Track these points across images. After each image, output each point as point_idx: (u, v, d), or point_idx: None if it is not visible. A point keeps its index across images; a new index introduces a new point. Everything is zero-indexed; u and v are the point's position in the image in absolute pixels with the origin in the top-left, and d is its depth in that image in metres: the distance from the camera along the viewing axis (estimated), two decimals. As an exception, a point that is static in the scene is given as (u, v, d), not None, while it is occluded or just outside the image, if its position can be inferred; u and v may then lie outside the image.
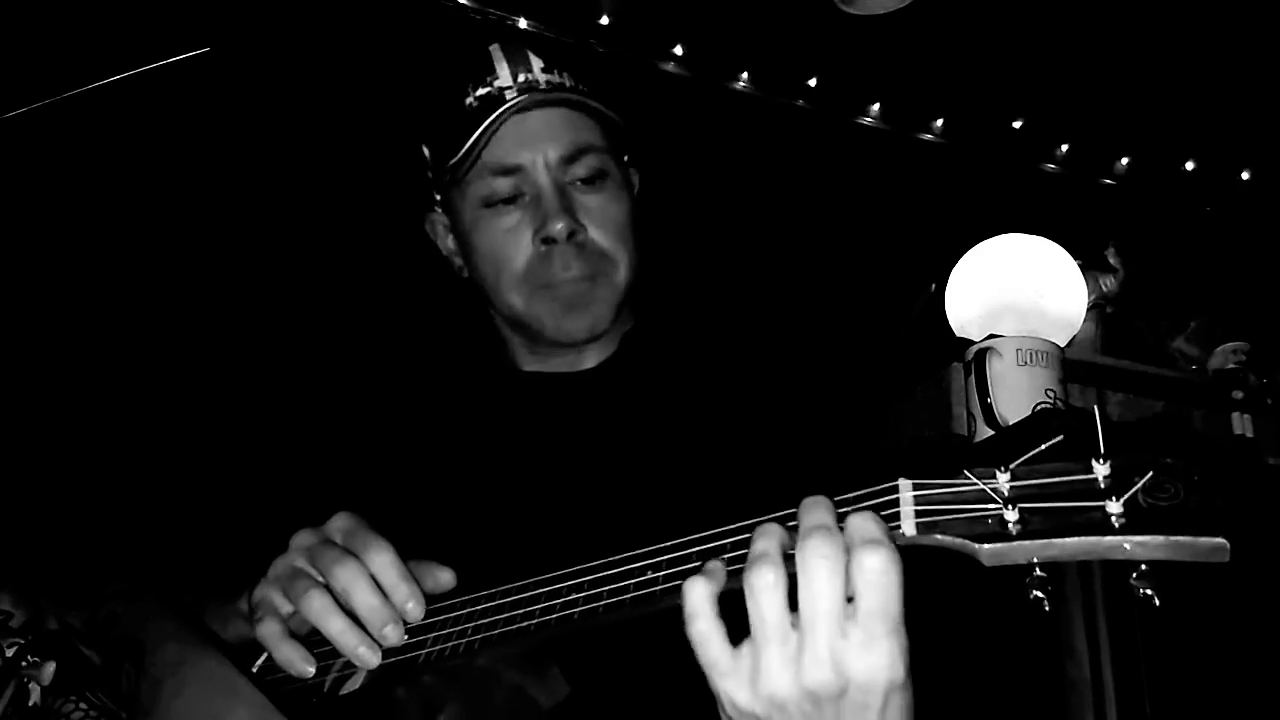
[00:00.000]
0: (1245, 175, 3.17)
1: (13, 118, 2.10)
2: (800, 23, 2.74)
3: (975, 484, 0.77)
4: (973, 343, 1.93)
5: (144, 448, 2.40)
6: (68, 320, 2.51)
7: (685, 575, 0.83)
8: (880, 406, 2.18)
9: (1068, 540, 0.72)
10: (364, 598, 0.98)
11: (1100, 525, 0.71)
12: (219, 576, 1.17)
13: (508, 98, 1.27)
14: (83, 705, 0.92)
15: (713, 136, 2.85)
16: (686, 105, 2.84)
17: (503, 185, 1.30)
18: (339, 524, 1.05)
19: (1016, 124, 3.09)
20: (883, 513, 0.79)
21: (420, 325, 2.46)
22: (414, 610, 0.99)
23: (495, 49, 1.32)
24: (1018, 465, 0.77)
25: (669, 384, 1.32)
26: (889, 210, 3.00)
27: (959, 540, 0.76)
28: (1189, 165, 3.18)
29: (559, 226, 1.27)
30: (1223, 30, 2.68)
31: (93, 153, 2.48)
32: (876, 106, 3.03)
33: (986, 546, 0.74)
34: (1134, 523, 0.70)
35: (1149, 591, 0.70)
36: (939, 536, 0.77)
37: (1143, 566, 0.71)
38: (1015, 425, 1.70)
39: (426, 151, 1.39)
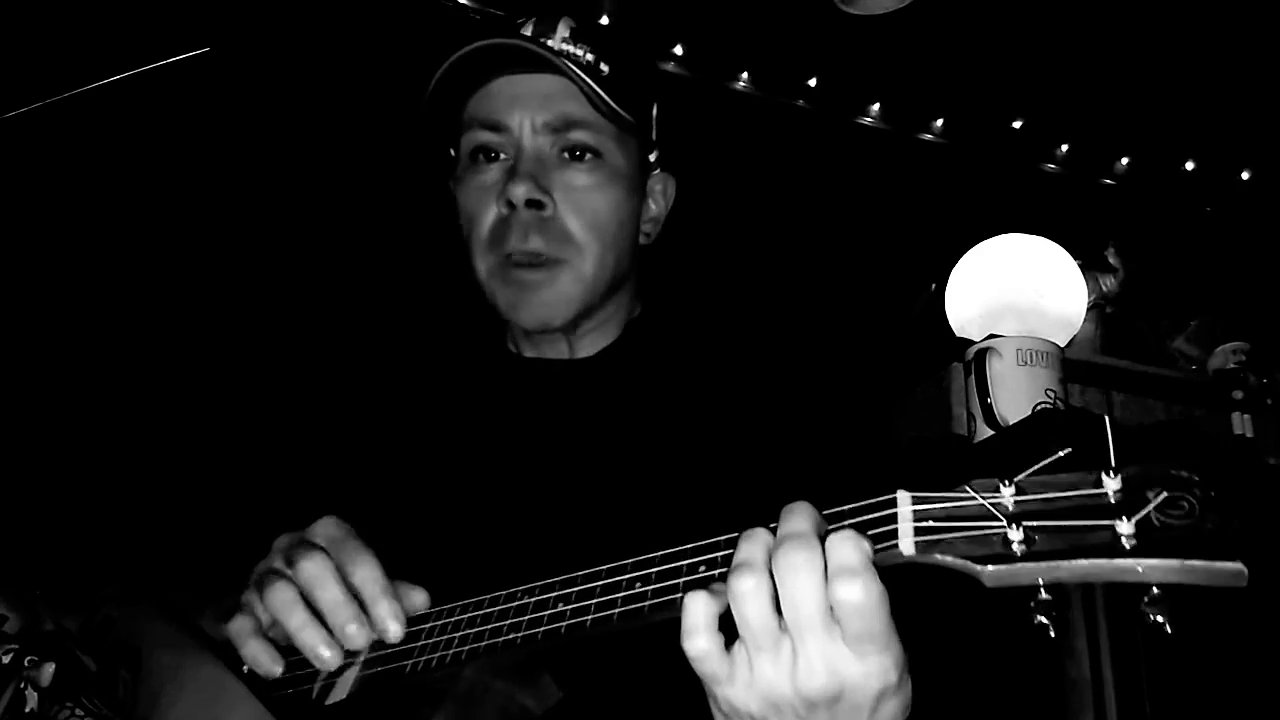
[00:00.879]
0: (1245, 175, 3.17)
1: (13, 118, 2.10)
2: (800, 23, 2.74)
3: (977, 499, 0.74)
4: (973, 343, 1.93)
5: (138, 445, 2.40)
6: (66, 320, 2.50)
7: (673, 590, 0.82)
8: (881, 407, 2.18)
9: (1076, 563, 0.68)
10: (326, 593, 0.96)
11: (1110, 547, 0.67)
12: (216, 575, 1.16)
13: (507, 45, 1.24)
14: (79, 712, 0.92)
15: (713, 136, 2.85)
16: (686, 105, 2.84)
17: (489, 139, 1.27)
18: (323, 529, 1.02)
19: (1016, 124, 3.08)
20: (880, 529, 0.77)
21: (420, 309, 2.46)
22: (394, 629, 0.96)
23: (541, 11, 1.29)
24: (1023, 479, 0.74)
25: (667, 378, 1.30)
26: (889, 210, 3.00)
27: (960, 561, 0.72)
28: (1189, 165, 3.18)
29: (519, 190, 1.23)
30: (1223, 30, 2.67)
31: (93, 153, 2.48)
32: (876, 106, 3.03)
33: (990, 568, 0.71)
34: (1146, 544, 0.67)
35: (1160, 619, 0.67)
36: (938, 556, 0.73)
37: (1154, 590, 0.67)
38: (1015, 425, 1.70)
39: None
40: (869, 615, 0.72)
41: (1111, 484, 0.70)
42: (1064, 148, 3.16)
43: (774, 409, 1.26)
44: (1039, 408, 1.79)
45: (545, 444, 1.26)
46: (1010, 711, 1.41)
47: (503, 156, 1.28)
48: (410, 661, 0.95)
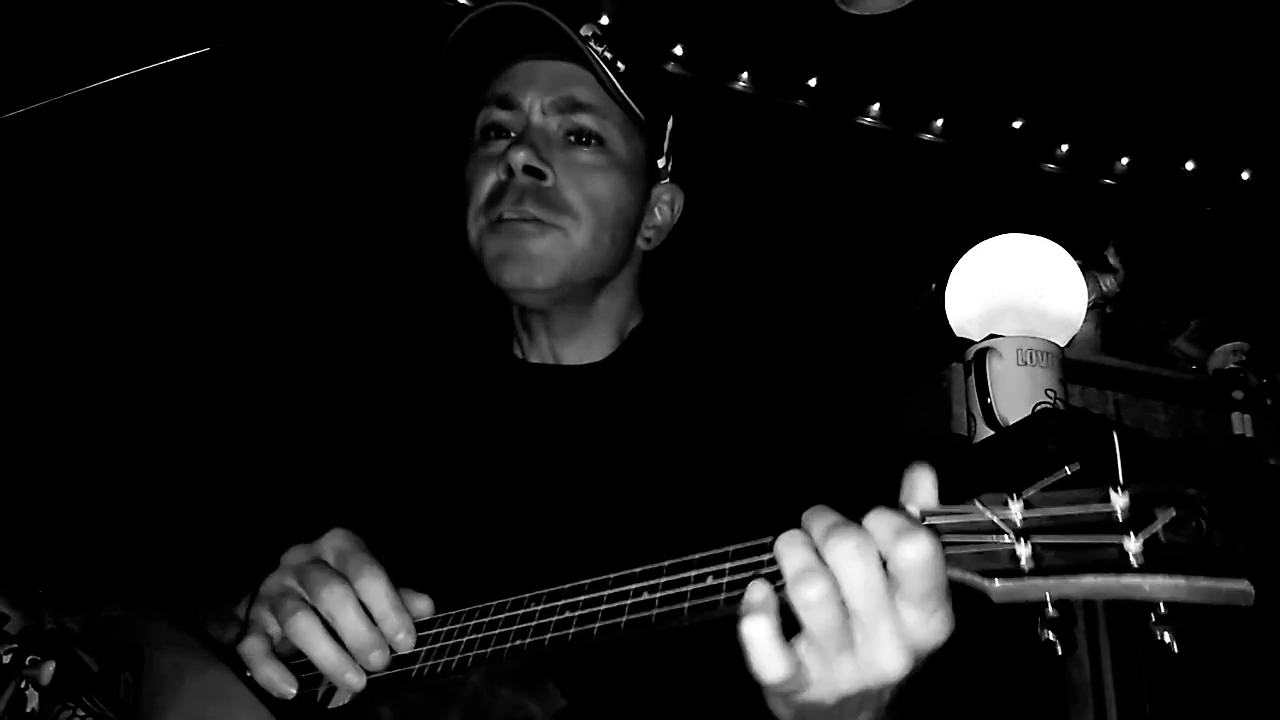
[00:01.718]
0: (1245, 175, 3.17)
1: (13, 118, 2.10)
2: (800, 23, 2.74)
3: (985, 514, 0.74)
4: (973, 343, 1.93)
5: (139, 445, 2.40)
6: (67, 320, 2.50)
7: (680, 599, 0.82)
8: (882, 410, 2.18)
9: (1083, 579, 0.68)
10: (350, 623, 0.96)
11: (1118, 564, 0.67)
12: (219, 577, 1.16)
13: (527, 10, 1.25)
14: (80, 712, 0.91)
15: (713, 136, 2.85)
16: (686, 105, 2.84)
17: (501, 117, 1.31)
18: (332, 543, 1.02)
19: (1016, 124, 3.09)
20: None
21: (427, 314, 2.46)
22: (404, 640, 0.97)
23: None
24: (1031, 494, 0.73)
25: (672, 386, 1.30)
26: (889, 210, 3.00)
27: (969, 575, 0.72)
28: (1189, 165, 3.18)
29: (519, 155, 1.24)
30: (1223, 30, 2.67)
31: (93, 153, 2.48)
32: (876, 106, 3.03)
33: (998, 584, 0.71)
34: (1154, 562, 0.66)
35: (1168, 638, 0.67)
36: (947, 570, 0.74)
37: (1162, 609, 0.67)
38: (1015, 425, 1.70)
39: None
40: (935, 569, 0.72)
41: (1120, 500, 0.70)
42: (1064, 148, 3.16)
43: (778, 416, 1.26)
44: (1039, 408, 1.79)
45: (551, 450, 1.26)
46: (1011, 712, 1.41)
47: (511, 134, 1.30)
48: (416, 667, 0.95)
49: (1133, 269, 2.32)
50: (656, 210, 1.41)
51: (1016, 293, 2.05)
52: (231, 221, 2.64)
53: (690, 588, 0.82)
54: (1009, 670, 1.34)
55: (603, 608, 0.87)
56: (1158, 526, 0.67)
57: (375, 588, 0.97)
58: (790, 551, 0.76)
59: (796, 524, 0.79)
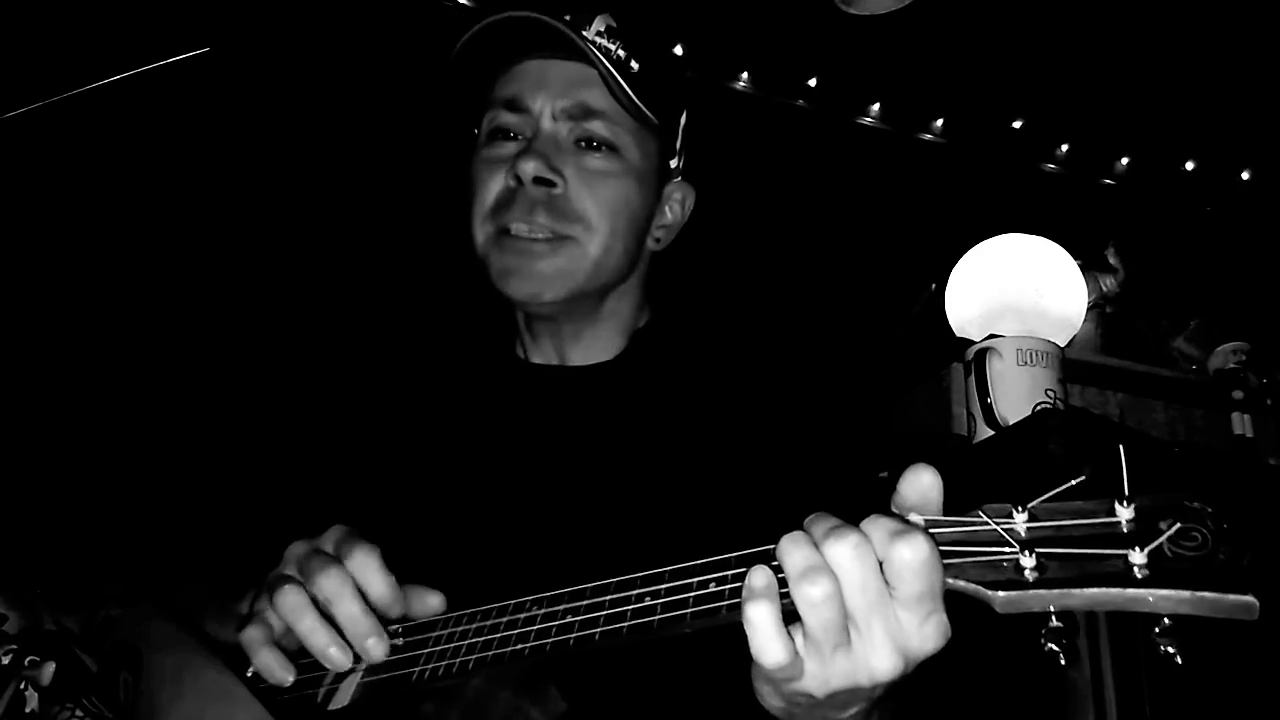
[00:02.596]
0: (1245, 175, 3.17)
1: (13, 118, 2.10)
2: (800, 23, 2.74)
3: (990, 524, 0.74)
4: (973, 343, 1.93)
5: (140, 445, 2.40)
6: (67, 320, 2.50)
7: (682, 605, 0.82)
8: (882, 411, 2.18)
9: (1087, 591, 0.68)
10: (346, 607, 0.96)
11: (1122, 576, 0.68)
12: (220, 576, 1.16)
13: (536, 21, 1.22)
14: (79, 712, 0.91)
15: (713, 137, 2.85)
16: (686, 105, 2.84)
17: (509, 120, 1.29)
18: (332, 538, 1.02)
19: (1016, 124, 3.09)
20: None
21: (431, 313, 2.46)
22: (394, 609, 0.97)
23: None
24: (1036, 505, 0.74)
25: (678, 388, 1.29)
26: (889, 210, 3.00)
27: (972, 586, 0.73)
28: (1189, 165, 3.18)
29: (528, 166, 1.23)
30: (1223, 30, 2.67)
31: (93, 153, 2.48)
32: (876, 106, 3.03)
33: (1001, 594, 0.71)
34: (1158, 575, 0.67)
35: (1171, 650, 0.67)
36: (950, 580, 0.74)
37: (1166, 622, 0.67)
38: (1015, 426, 1.70)
39: None
40: (929, 571, 0.73)
41: (1125, 513, 0.70)
42: (1064, 148, 3.16)
43: (781, 417, 1.26)
44: (1039, 408, 1.79)
45: (559, 452, 1.26)
46: (1011, 713, 1.41)
47: (520, 137, 1.29)
48: (417, 669, 0.95)
49: (1133, 269, 2.32)
50: (667, 209, 1.39)
51: (1016, 293, 2.05)
52: (233, 221, 2.63)
53: (693, 594, 0.83)
54: (1010, 676, 1.34)
55: (604, 613, 0.87)
56: (1162, 539, 0.68)
57: (366, 564, 0.97)
58: (793, 550, 0.77)
59: (800, 525, 0.80)
